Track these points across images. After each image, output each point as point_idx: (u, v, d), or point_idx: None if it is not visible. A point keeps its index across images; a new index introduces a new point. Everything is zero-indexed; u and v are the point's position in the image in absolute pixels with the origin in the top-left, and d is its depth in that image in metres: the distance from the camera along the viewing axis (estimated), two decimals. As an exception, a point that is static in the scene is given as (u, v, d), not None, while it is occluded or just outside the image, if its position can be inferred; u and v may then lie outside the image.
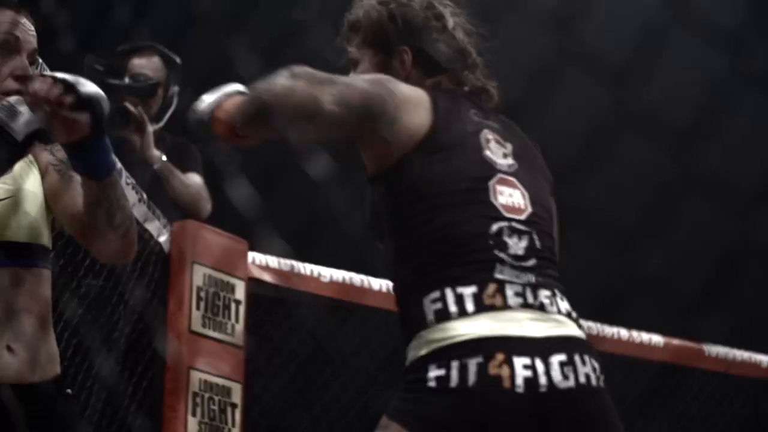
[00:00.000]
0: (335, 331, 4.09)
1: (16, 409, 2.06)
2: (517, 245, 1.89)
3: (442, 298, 1.81)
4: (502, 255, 1.86)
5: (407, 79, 2.04)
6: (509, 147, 2.01)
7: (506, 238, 1.89)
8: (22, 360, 2.10)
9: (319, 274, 3.92)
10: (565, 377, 1.78)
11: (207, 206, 3.92)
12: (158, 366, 3.53)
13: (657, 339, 4.51)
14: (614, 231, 4.36)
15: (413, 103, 1.95)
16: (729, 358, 4.63)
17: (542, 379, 1.76)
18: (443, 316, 1.80)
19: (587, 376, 1.81)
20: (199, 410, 3.50)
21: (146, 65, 3.94)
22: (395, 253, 1.94)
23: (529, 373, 1.75)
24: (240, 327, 3.66)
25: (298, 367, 4.10)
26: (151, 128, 3.81)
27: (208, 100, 2.03)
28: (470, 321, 1.78)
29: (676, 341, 4.56)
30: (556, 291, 1.90)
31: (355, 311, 3.99)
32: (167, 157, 3.85)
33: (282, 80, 1.87)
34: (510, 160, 1.99)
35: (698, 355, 4.57)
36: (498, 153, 1.98)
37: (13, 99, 2.07)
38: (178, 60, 3.95)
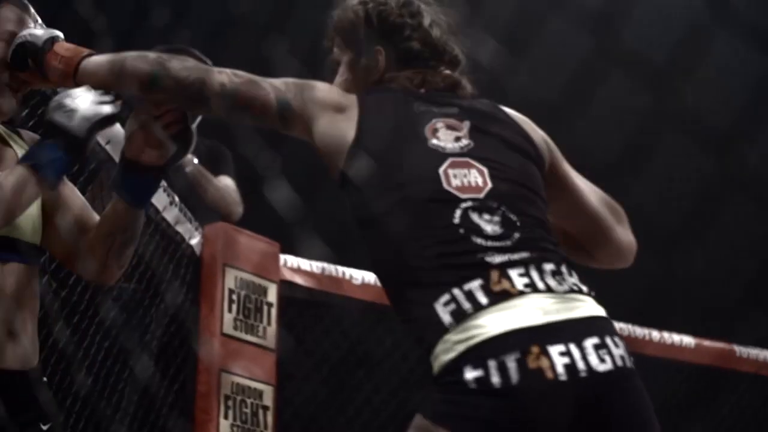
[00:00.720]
0: (368, 333, 4.08)
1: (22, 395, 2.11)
2: (491, 222, 1.83)
3: (453, 300, 1.76)
4: (480, 240, 1.81)
5: (380, 80, 2.04)
6: (465, 127, 1.95)
7: (476, 219, 1.83)
8: (24, 348, 2.14)
9: (351, 277, 3.92)
10: (602, 360, 1.74)
11: (238, 209, 3.91)
12: (191, 369, 3.54)
13: (688, 340, 4.47)
14: (655, 232, 4.32)
15: (332, 108, 1.95)
16: (760, 359, 4.58)
17: (580, 364, 1.72)
18: (460, 315, 1.75)
19: (622, 358, 1.77)
20: (231, 413, 3.50)
21: (177, 69, 3.92)
22: (378, 266, 1.92)
23: (567, 359, 1.71)
24: (272, 330, 3.65)
25: (331, 369, 4.09)
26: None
27: (42, 31, 2.12)
28: (490, 314, 1.74)
29: (707, 342, 4.51)
30: (560, 264, 1.85)
31: (388, 313, 3.97)
32: (198, 160, 3.84)
33: (181, 63, 2.02)
34: (464, 141, 1.93)
35: (730, 356, 4.53)
36: (448, 138, 1.93)
37: (61, 96, 2.13)
38: (210, 63, 3.93)
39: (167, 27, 3.67)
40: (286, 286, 3.76)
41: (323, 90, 1.99)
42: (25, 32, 2.12)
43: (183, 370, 3.55)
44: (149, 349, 3.48)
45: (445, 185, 1.86)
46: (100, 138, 2.74)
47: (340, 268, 3.90)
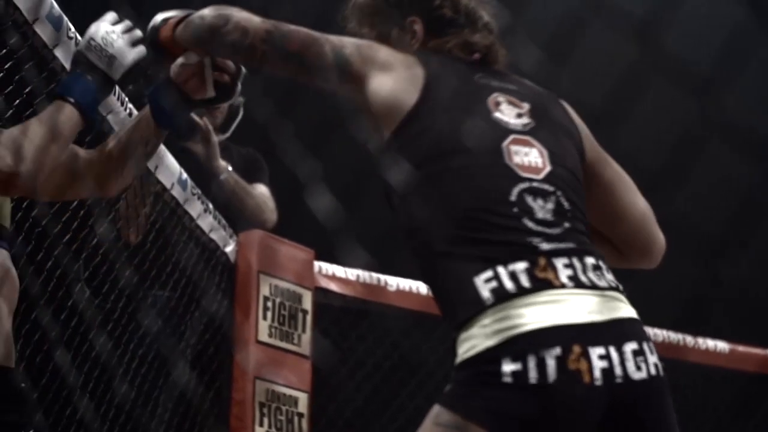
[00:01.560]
0: (402, 340, 4.06)
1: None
2: (543, 208, 1.81)
3: (496, 277, 1.73)
4: (531, 224, 1.79)
5: (422, 48, 2.03)
6: (525, 106, 1.94)
7: (530, 202, 1.81)
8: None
9: (387, 284, 3.90)
10: (638, 368, 1.72)
11: (273, 217, 3.89)
12: (226, 376, 3.53)
13: (722, 346, 4.42)
14: (700, 241, 4.29)
15: (396, 66, 1.93)
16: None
17: (617, 370, 1.70)
18: (502, 295, 1.72)
19: (656, 367, 1.75)
20: (266, 420, 3.49)
21: (212, 76, 3.91)
22: (415, 232, 1.86)
23: (605, 363, 1.69)
24: (307, 337, 3.64)
25: (366, 376, 4.07)
26: (216, 139, 3.79)
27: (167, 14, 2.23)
28: (533, 305, 1.71)
29: (741, 348, 4.47)
30: (599, 259, 1.82)
31: (422, 320, 3.96)
32: (233, 167, 3.83)
33: (223, 13, 2.05)
34: (525, 119, 1.92)
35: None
36: (510, 114, 1.91)
37: (96, 32, 2.28)
38: (243, 70, 3.92)
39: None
40: (321, 293, 3.75)
41: (384, 49, 1.97)
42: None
43: (218, 377, 3.54)
44: (184, 356, 3.47)
45: (506, 159, 1.85)
46: (102, 109, 2.75)
47: (375, 275, 3.88)
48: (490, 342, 1.70)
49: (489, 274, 1.73)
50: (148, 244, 3.37)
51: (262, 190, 3.91)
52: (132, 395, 3.21)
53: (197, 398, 3.45)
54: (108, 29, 2.27)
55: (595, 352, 1.69)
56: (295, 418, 3.57)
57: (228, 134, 3.97)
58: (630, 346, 1.72)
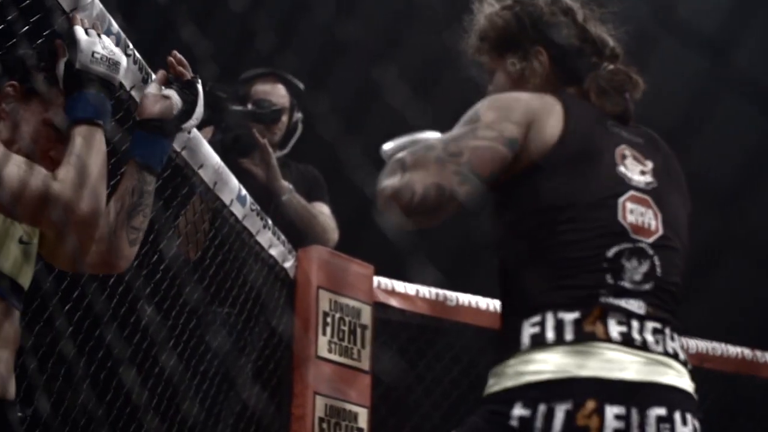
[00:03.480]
0: (462, 355, 4.03)
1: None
2: (636, 269, 1.78)
3: (542, 323, 1.71)
4: (613, 280, 1.75)
5: (547, 80, 1.98)
6: (649, 165, 1.91)
7: (624, 261, 1.78)
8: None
9: (446, 298, 3.88)
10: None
11: (334, 236, 3.88)
12: (285, 392, 3.52)
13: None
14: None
15: (543, 114, 1.86)
16: None
17: None
18: (539, 341, 1.70)
19: None
20: (326, 436, 3.48)
21: (270, 92, 3.92)
22: (506, 270, 1.85)
23: (620, 424, 1.64)
24: (366, 352, 3.63)
25: (425, 390, 4.05)
26: (275, 159, 3.77)
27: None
28: (566, 354, 1.68)
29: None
30: (667, 326, 1.78)
31: (481, 336, 3.93)
32: (293, 184, 3.82)
33: (403, 180, 1.80)
34: (648, 178, 1.89)
35: None
36: (634, 169, 1.87)
37: (91, 44, 2.20)
38: (302, 86, 3.93)
39: (273, 52, 3.66)
40: (380, 308, 3.74)
41: (525, 101, 1.89)
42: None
43: (278, 393, 3.54)
44: (244, 373, 3.47)
45: (620, 217, 1.81)
46: (176, 144, 2.74)
47: (435, 290, 3.87)
48: (509, 383, 1.69)
49: (537, 318, 1.72)
50: (207, 260, 3.38)
51: (322, 209, 3.89)
52: (193, 411, 3.21)
53: (258, 414, 3.45)
54: (96, 38, 2.21)
55: (612, 410, 1.64)
56: (355, 433, 3.56)
57: (286, 150, 3.97)
58: (656, 411, 1.67)
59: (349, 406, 3.55)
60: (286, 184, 3.78)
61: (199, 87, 2.33)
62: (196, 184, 2.95)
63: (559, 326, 1.70)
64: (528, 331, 1.71)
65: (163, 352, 3.02)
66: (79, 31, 2.21)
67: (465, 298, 3.91)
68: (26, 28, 2.26)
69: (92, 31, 2.22)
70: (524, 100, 1.88)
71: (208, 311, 3.42)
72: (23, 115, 2.19)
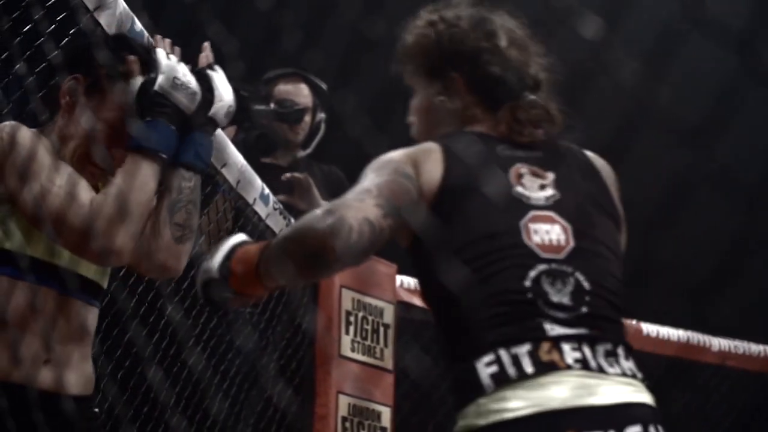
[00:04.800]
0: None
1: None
2: (561, 292, 1.73)
3: (498, 361, 1.66)
4: (544, 308, 1.71)
5: (465, 108, 1.91)
6: (550, 176, 1.84)
7: (546, 286, 1.73)
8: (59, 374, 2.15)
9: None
10: None
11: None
12: (308, 391, 3.52)
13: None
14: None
15: (422, 157, 1.82)
16: None
17: None
18: (502, 380, 1.65)
19: None
20: (348, 435, 3.47)
21: (292, 91, 3.91)
22: (438, 318, 1.79)
23: None
24: (389, 351, 3.62)
25: (449, 389, 4.03)
26: (315, 189, 3.70)
27: (213, 260, 1.85)
28: (532, 388, 1.65)
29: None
30: (618, 347, 1.74)
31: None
32: (316, 185, 3.79)
33: (335, 218, 1.72)
34: (549, 191, 1.82)
35: None
36: (533, 186, 1.82)
37: (172, 70, 2.19)
38: (324, 86, 3.92)
39: (298, 51, 3.65)
40: (403, 307, 3.73)
41: (401, 152, 1.84)
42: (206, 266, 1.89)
43: (300, 392, 3.53)
44: (267, 372, 3.47)
45: (525, 239, 1.76)
46: (215, 161, 2.73)
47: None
48: (481, 422, 1.65)
49: (490, 357, 1.67)
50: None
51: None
52: (214, 410, 3.21)
53: (280, 413, 3.45)
54: (176, 64, 2.17)
55: None
56: (378, 433, 3.56)
57: (309, 150, 3.96)
58: (632, 430, 1.65)
59: (372, 405, 3.55)
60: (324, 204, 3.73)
61: (213, 73, 2.26)
62: (219, 183, 2.95)
63: (516, 361, 1.66)
64: (485, 371, 1.66)
65: (185, 352, 3.02)
66: (161, 53, 2.18)
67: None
68: (52, 27, 2.26)
69: (173, 56, 2.20)
70: (399, 151, 1.84)
71: (229, 311, 3.41)
72: (84, 111, 2.18)
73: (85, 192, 2.08)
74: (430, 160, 1.81)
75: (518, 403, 1.64)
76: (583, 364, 1.69)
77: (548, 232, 1.78)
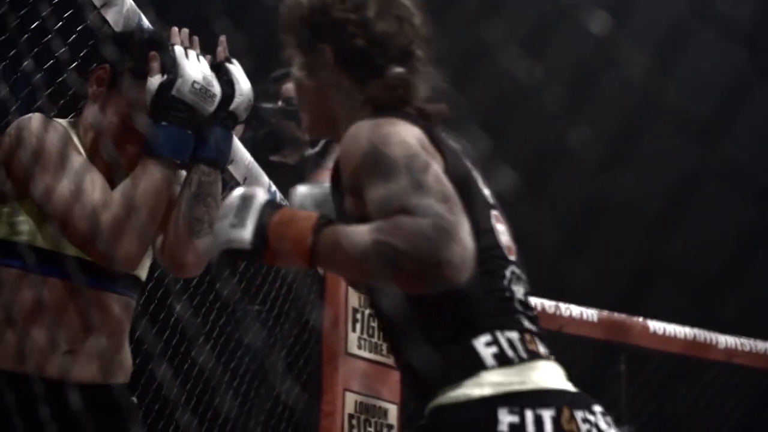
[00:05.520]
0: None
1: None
2: (521, 293, 1.76)
3: (496, 342, 1.67)
4: (518, 306, 1.73)
5: (338, 82, 1.85)
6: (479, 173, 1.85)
7: (513, 287, 1.75)
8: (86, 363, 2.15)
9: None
10: (608, 425, 1.72)
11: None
12: (315, 388, 3.52)
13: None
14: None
15: (428, 154, 1.75)
16: None
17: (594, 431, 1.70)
18: (503, 359, 1.67)
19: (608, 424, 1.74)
20: (355, 432, 3.48)
21: (300, 89, 3.91)
22: (415, 305, 1.71)
23: (587, 426, 1.68)
24: (396, 348, 3.62)
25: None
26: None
27: (236, 225, 1.69)
28: (528, 370, 1.68)
29: None
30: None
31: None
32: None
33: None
34: (488, 190, 1.84)
35: None
36: (483, 184, 1.83)
37: (195, 74, 2.15)
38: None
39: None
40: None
41: (408, 134, 1.75)
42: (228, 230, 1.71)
43: (307, 389, 3.54)
44: (274, 369, 3.48)
45: (498, 239, 1.77)
46: (236, 171, 2.74)
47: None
48: (486, 391, 1.65)
49: (488, 338, 1.68)
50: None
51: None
52: (225, 408, 3.22)
53: (287, 410, 3.46)
54: (196, 63, 2.14)
55: (579, 415, 1.68)
56: (384, 430, 3.55)
57: (318, 149, 3.96)
58: (597, 408, 1.72)
59: (379, 403, 3.55)
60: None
61: (232, 67, 2.23)
62: (226, 180, 2.95)
63: (512, 345, 1.69)
64: (486, 350, 1.67)
65: (194, 349, 3.03)
66: (180, 52, 2.15)
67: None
68: (59, 24, 2.27)
69: (192, 53, 2.16)
70: (413, 141, 1.74)
71: (237, 308, 3.42)
72: (107, 103, 2.17)
73: (93, 192, 2.07)
74: (429, 152, 1.76)
75: (519, 378, 1.67)
76: (548, 355, 1.74)
77: (503, 233, 1.79)
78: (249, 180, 3.03)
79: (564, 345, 4.73)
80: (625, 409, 4.80)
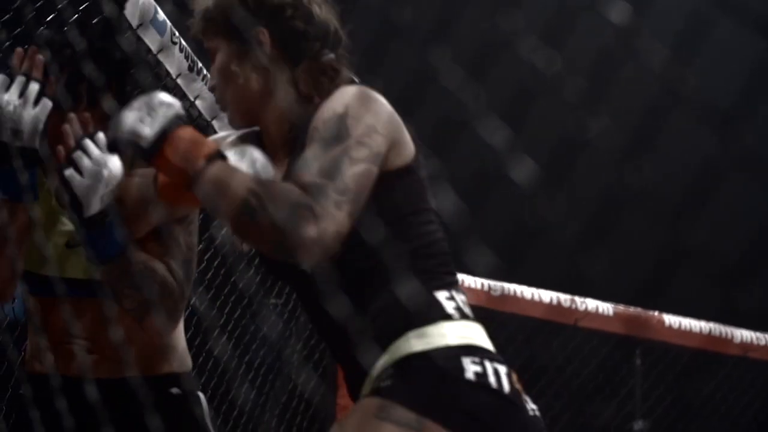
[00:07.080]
0: (507, 345, 4.02)
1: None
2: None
3: (453, 299, 1.72)
4: (455, 273, 1.80)
5: (274, 66, 1.85)
6: None
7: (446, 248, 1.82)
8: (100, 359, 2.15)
9: (490, 288, 3.87)
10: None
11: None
12: (331, 382, 3.53)
13: None
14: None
15: (401, 130, 1.79)
16: None
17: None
18: (462, 314, 1.71)
19: None
20: (371, 426, 3.47)
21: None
22: (375, 261, 1.74)
23: (519, 386, 1.71)
24: (411, 341, 3.61)
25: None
26: None
27: (144, 119, 1.73)
28: (479, 329, 1.71)
29: None
30: None
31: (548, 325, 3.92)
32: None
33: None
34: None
35: None
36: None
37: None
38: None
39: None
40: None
41: (388, 112, 1.80)
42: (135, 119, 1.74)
43: (323, 382, 3.55)
44: (290, 362, 3.48)
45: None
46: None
47: (479, 280, 3.85)
48: (451, 341, 1.67)
49: (447, 294, 1.72)
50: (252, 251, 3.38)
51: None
52: (240, 400, 3.22)
53: (303, 404, 3.46)
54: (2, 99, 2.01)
55: (514, 375, 1.71)
56: (401, 424, 3.55)
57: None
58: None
59: (394, 396, 3.54)
60: None
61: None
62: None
63: (464, 304, 1.74)
64: (448, 304, 1.72)
65: (211, 342, 3.03)
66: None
67: (510, 288, 3.90)
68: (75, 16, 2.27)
69: (7, 89, 2.01)
70: (387, 110, 1.80)
71: (253, 302, 3.42)
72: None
73: None
74: (403, 138, 1.80)
75: (473, 334, 1.71)
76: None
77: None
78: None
79: (580, 339, 4.75)
80: (641, 403, 4.79)
